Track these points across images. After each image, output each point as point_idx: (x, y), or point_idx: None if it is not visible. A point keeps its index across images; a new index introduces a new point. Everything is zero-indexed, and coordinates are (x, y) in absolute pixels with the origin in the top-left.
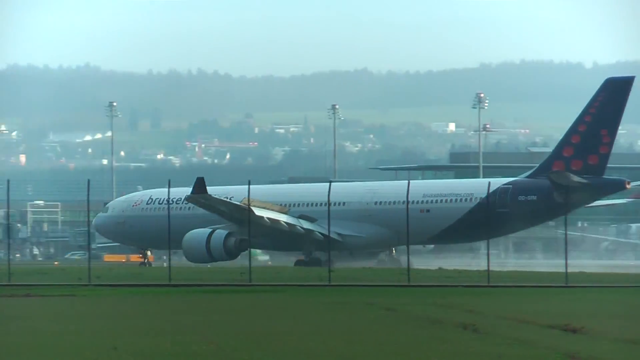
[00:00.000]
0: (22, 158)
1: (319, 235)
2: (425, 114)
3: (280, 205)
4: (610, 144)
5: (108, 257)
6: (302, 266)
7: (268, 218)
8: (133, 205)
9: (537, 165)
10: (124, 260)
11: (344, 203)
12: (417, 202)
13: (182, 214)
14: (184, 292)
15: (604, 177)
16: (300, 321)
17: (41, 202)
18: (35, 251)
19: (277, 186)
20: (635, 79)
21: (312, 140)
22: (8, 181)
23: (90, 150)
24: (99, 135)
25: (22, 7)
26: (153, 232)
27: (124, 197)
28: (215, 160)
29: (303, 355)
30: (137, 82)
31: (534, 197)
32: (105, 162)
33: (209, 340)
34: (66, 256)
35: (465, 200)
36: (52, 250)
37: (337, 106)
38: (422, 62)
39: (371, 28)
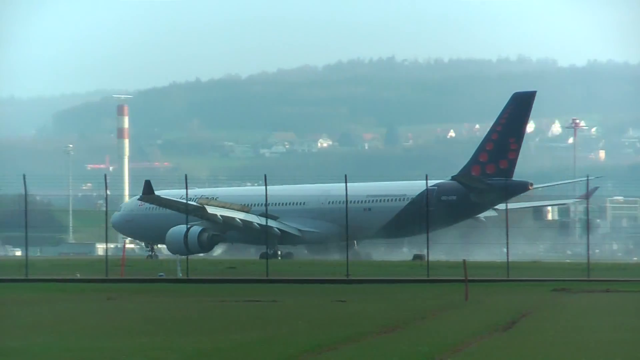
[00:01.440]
0: (601, 154)
1: (277, 230)
2: None
3: (243, 205)
4: (517, 150)
5: None
6: (265, 258)
7: (221, 215)
8: (139, 205)
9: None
10: None
11: (303, 203)
12: (361, 201)
13: (176, 212)
14: None
15: (511, 179)
16: None
17: (620, 198)
18: (615, 247)
19: (250, 188)
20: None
21: None
22: (587, 177)
23: None
24: None
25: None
26: (154, 228)
27: (134, 198)
28: None
29: None
30: None
31: (454, 197)
32: None
33: None
34: None
35: (399, 200)
36: (630, 245)
37: None
38: None
39: None
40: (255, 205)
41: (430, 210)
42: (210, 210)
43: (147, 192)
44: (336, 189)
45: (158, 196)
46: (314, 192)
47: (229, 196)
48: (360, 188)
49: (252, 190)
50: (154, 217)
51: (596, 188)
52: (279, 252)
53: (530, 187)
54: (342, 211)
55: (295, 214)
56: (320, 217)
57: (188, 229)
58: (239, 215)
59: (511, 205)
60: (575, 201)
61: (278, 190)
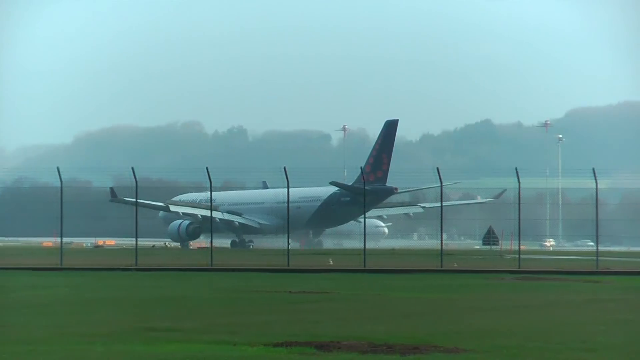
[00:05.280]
0: None
1: (237, 224)
2: None
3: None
4: (389, 163)
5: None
6: (235, 247)
7: (183, 213)
8: None
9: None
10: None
11: (262, 202)
12: (295, 201)
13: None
14: None
15: (382, 185)
16: None
17: None
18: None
19: (224, 193)
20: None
21: None
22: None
23: None
24: None
25: None
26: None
27: (178, 197)
28: None
29: None
30: None
31: (349, 199)
32: None
33: None
34: None
35: (317, 201)
36: None
37: None
38: None
39: None
40: (224, 205)
41: (333, 208)
42: (174, 208)
43: (113, 196)
44: (282, 192)
45: (122, 198)
46: (270, 194)
47: (225, 197)
48: (296, 192)
49: (227, 194)
50: (175, 215)
51: (504, 190)
52: (246, 241)
53: (395, 191)
54: (284, 209)
55: (254, 211)
56: (272, 213)
57: (181, 223)
58: (200, 212)
59: (435, 204)
60: (489, 200)
61: (241, 194)
